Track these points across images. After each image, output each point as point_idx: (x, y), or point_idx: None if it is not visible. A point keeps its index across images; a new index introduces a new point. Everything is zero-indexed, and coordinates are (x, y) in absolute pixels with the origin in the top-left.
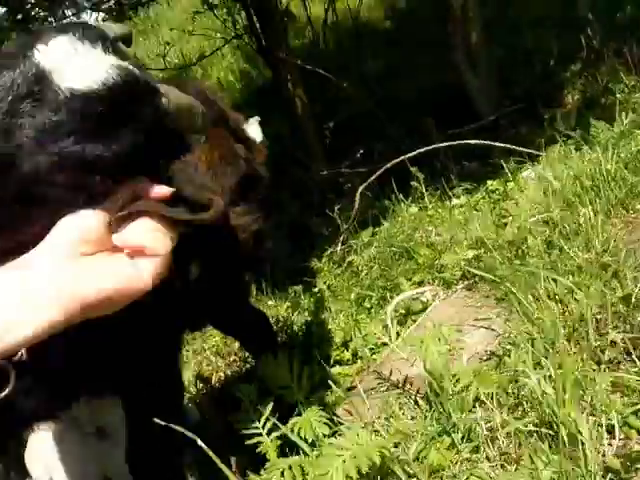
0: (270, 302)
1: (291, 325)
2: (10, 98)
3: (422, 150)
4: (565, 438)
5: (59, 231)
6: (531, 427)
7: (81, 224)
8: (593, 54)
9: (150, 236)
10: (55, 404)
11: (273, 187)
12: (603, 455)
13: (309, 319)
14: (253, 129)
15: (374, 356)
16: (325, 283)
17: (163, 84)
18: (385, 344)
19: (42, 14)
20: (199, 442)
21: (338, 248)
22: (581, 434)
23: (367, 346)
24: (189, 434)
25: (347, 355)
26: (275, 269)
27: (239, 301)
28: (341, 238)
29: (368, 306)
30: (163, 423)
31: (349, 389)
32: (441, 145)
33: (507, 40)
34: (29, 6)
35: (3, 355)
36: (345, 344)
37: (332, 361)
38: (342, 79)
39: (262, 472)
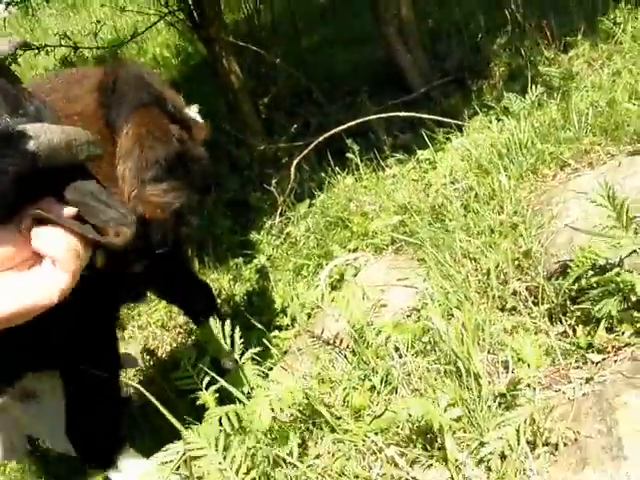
0: (213, 275)
1: (233, 296)
2: None
3: (355, 122)
4: (463, 372)
5: None
6: (438, 366)
7: None
8: (517, 28)
9: (64, 248)
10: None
11: (212, 165)
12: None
13: (250, 289)
14: (192, 114)
15: (310, 320)
16: (265, 254)
17: (36, 124)
18: (320, 308)
19: None
20: (142, 389)
21: (276, 220)
22: (475, 367)
23: (304, 311)
24: (133, 384)
25: (286, 321)
26: (216, 244)
27: (177, 270)
28: (279, 211)
29: (305, 274)
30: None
31: (286, 352)
32: (372, 117)
33: (437, 14)
34: None
35: None
36: (284, 310)
37: (272, 327)
38: (278, 54)
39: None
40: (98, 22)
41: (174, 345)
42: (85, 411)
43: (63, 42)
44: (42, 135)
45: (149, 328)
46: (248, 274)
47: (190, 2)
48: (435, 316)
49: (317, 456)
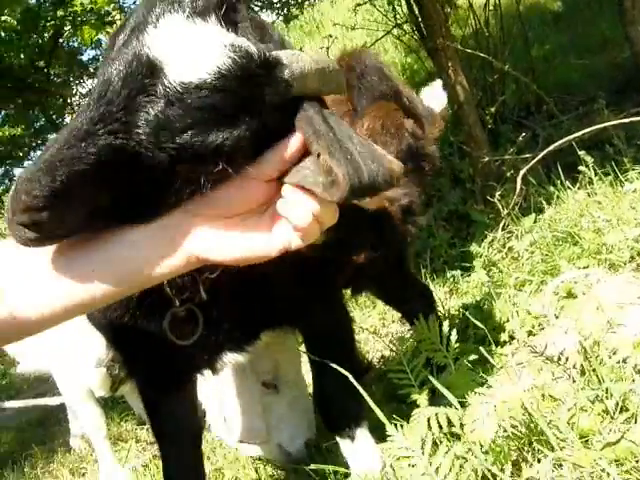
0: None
1: (448, 309)
2: (125, 93)
3: (589, 130)
4: None
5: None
6: None
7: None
8: None
9: (307, 219)
10: (242, 337)
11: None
12: None
13: (467, 303)
14: (436, 93)
15: (530, 337)
16: (484, 268)
17: (287, 50)
18: (542, 327)
19: None
20: (357, 385)
21: (498, 234)
22: None
23: (524, 328)
24: (351, 378)
25: (503, 337)
26: (434, 256)
27: (396, 269)
28: (502, 224)
29: (527, 290)
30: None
31: (502, 367)
32: (611, 123)
33: None
34: None
35: (135, 288)
36: (502, 326)
37: (488, 341)
38: (506, 64)
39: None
40: (330, 36)
41: (385, 352)
42: (329, 376)
43: None
44: (295, 62)
45: (361, 334)
46: (465, 287)
47: (417, 13)
48: None
49: (529, 479)
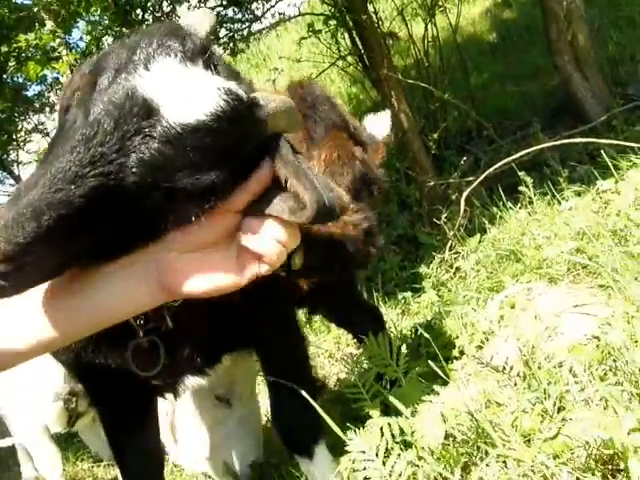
0: (381, 309)
1: (401, 330)
2: (118, 134)
3: (526, 152)
4: None
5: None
6: (622, 391)
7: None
8: None
9: (273, 247)
10: (203, 362)
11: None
12: None
13: (418, 322)
14: (381, 120)
15: (479, 352)
16: (434, 288)
17: (259, 91)
18: (488, 340)
19: None
20: (312, 402)
21: (446, 255)
22: None
23: (473, 343)
24: (306, 395)
25: (454, 352)
26: (385, 279)
27: (345, 291)
28: (448, 245)
29: (475, 307)
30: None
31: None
32: (546, 145)
33: (620, 39)
34: None
35: (106, 324)
36: (452, 343)
37: (439, 358)
38: (447, 92)
39: (363, 430)
40: (276, 69)
41: (341, 375)
42: (286, 396)
43: None
44: (270, 103)
45: (317, 359)
46: (416, 308)
47: (360, 45)
48: (618, 334)
49: (480, 479)
